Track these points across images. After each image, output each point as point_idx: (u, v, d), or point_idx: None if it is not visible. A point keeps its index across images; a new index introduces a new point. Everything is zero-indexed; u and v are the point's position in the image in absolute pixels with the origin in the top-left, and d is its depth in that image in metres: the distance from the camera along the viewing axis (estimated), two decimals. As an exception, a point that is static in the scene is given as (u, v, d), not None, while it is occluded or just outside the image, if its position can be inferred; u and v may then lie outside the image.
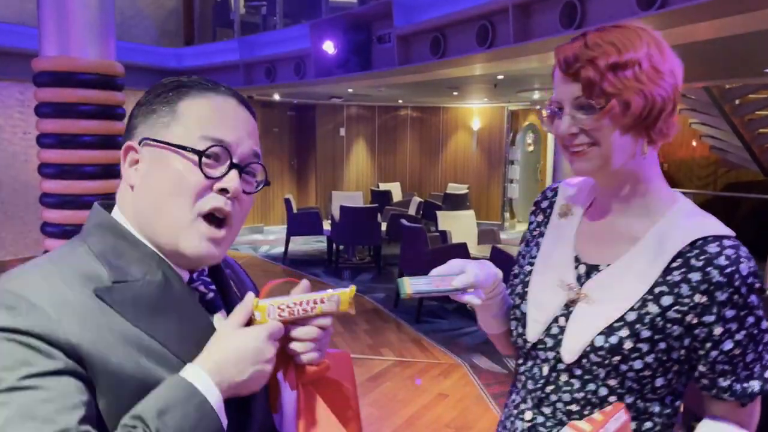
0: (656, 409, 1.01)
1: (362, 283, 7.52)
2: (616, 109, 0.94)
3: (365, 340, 5.42)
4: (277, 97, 10.78)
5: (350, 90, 9.34)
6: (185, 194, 0.82)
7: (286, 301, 0.85)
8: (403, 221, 6.41)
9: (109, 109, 4.48)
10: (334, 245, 8.35)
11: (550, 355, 1.06)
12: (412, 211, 9.14)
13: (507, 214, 12.31)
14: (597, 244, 1.08)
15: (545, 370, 1.06)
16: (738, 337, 0.95)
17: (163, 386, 0.76)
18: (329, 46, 6.74)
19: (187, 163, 0.83)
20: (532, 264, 1.15)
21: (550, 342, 1.06)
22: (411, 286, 0.99)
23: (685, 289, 0.95)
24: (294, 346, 0.86)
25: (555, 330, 1.06)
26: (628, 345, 0.97)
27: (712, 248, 0.95)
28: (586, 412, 1.01)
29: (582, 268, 1.07)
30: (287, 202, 8.74)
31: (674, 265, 0.97)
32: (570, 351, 1.01)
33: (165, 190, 0.83)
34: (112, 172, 4.45)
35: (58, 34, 4.29)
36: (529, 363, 1.11)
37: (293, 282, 0.91)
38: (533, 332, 1.08)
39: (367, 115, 12.59)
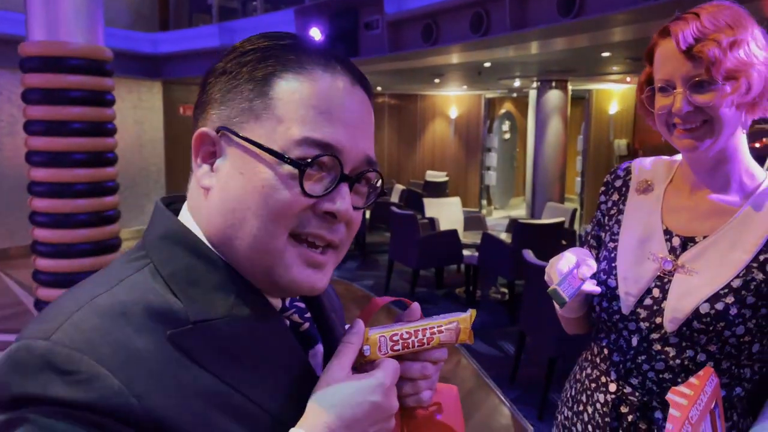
0: (747, 374, 1.06)
1: (349, 271, 7.52)
2: (742, 87, 0.98)
3: (360, 327, 5.43)
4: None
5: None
6: (277, 216, 0.62)
7: (400, 330, 0.69)
8: (394, 209, 6.42)
9: (98, 94, 4.36)
10: (318, 233, 8.30)
11: (643, 325, 1.09)
12: (394, 198, 9.16)
13: (484, 201, 12.44)
14: (689, 217, 1.11)
15: (635, 341, 1.10)
16: None
17: None
18: (315, 33, 6.68)
19: (282, 174, 0.61)
20: (615, 240, 1.18)
21: (643, 313, 1.09)
22: (563, 293, 1.03)
23: None
24: (404, 386, 0.70)
25: (648, 301, 1.09)
26: (733, 311, 1.01)
27: None
28: (679, 380, 1.06)
29: (676, 241, 1.11)
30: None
31: None
32: (673, 320, 1.05)
33: (250, 205, 0.62)
34: (102, 160, 4.34)
35: (46, 17, 4.15)
36: (614, 336, 1.14)
37: (400, 302, 0.76)
38: (626, 305, 1.11)
39: (345, 103, 12.52)
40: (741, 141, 1.07)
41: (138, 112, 9.56)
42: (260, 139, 0.61)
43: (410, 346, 0.69)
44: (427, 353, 0.71)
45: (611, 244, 1.20)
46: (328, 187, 0.62)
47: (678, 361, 1.06)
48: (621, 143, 11.17)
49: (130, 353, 0.56)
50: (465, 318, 0.73)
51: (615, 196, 1.25)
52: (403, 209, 7.50)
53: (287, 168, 0.61)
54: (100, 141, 4.32)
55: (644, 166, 1.23)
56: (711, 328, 1.02)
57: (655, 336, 1.08)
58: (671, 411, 0.94)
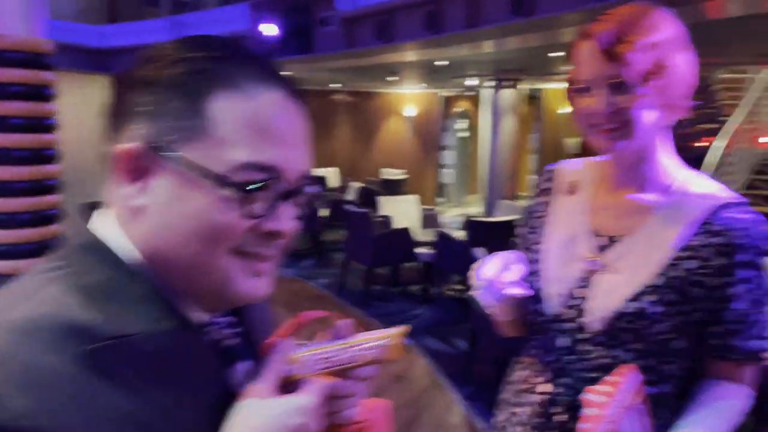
0: (675, 372, 1.08)
1: (305, 269, 7.45)
2: (659, 89, 0.99)
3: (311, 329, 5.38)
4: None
5: (290, 74, 9.14)
6: (218, 239, 0.59)
7: (327, 348, 0.67)
8: (349, 207, 6.39)
9: (37, 89, 4.17)
10: (273, 232, 8.20)
11: (571, 326, 1.10)
12: (350, 196, 9.12)
13: (441, 199, 12.52)
14: (613, 216, 1.12)
15: (563, 341, 1.11)
16: (750, 297, 1.03)
17: None
18: (269, 28, 6.58)
19: (222, 197, 0.58)
20: (543, 242, 1.19)
21: (570, 314, 1.10)
22: (482, 299, 1.06)
23: (707, 252, 1.02)
24: (331, 403, 0.67)
25: (575, 302, 1.10)
26: (655, 309, 1.03)
27: (731, 213, 1.03)
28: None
29: (601, 240, 1.11)
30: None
31: (695, 230, 1.03)
32: (597, 319, 1.06)
33: (189, 227, 0.59)
34: (43, 157, 4.16)
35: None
36: (544, 337, 1.15)
37: (327, 316, 0.73)
38: (553, 306, 1.12)
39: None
40: (661, 139, 1.08)
41: (85, 108, 9.25)
42: (198, 161, 0.58)
43: (338, 364, 0.67)
44: (356, 371, 0.68)
45: (538, 246, 1.20)
46: (271, 205, 0.60)
47: (605, 361, 1.07)
48: (572, 142, 11.42)
49: (37, 373, 0.52)
50: (395, 334, 0.69)
51: (542, 198, 1.25)
52: (360, 207, 7.48)
53: (228, 191, 0.58)
54: (39, 137, 4.14)
55: (571, 167, 1.24)
56: (634, 327, 1.04)
57: (582, 336, 1.09)
58: (587, 410, 0.94)
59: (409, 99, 12.49)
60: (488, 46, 5.43)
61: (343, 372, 0.68)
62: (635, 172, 1.10)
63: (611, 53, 0.99)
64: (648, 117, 1.02)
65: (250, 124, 0.59)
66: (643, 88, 0.99)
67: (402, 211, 7.13)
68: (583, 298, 1.09)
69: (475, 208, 11.89)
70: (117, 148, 0.60)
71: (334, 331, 0.69)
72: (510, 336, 1.32)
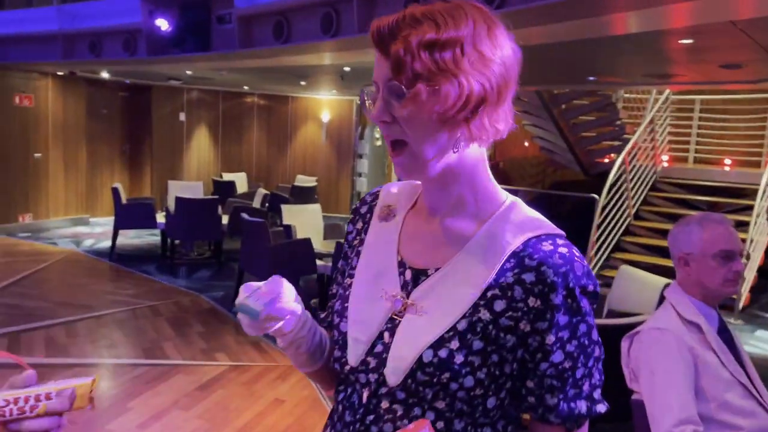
0: None
1: (200, 281, 7.02)
2: (423, 95, 0.79)
3: (199, 344, 5.01)
4: (106, 74, 9.75)
5: (189, 72, 8.69)
6: None
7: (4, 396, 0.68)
8: (244, 215, 6.05)
9: None
10: (168, 239, 7.73)
11: (372, 377, 0.89)
12: (257, 203, 8.75)
13: (355, 208, 12.33)
14: (423, 246, 0.94)
15: (365, 396, 0.90)
16: (569, 348, 0.85)
17: None
18: (162, 23, 6.16)
19: None
20: (352, 276, 0.99)
21: (372, 362, 0.89)
22: (253, 303, 0.90)
23: (518, 291, 0.85)
24: None
25: (379, 348, 0.90)
26: (458, 359, 0.83)
27: (546, 246, 0.86)
28: None
29: (408, 274, 0.92)
30: (115, 191, 7.91)
31: (507, 265, 0.87)
32: (395, 371, 0.86)
33: None
34: None
35: None
36: (348, 390, 0.94)
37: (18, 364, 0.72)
38: (355, 353, 0.91)
39: (210, 100, 11.88)
40: (468, 161, 0.89)
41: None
42: None
43: (7, 414, 0.67)
44: (30, 422, 0.68)
45: (347, 280, 1.00)
46: None
47: (405, 422, 0.86)
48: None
49: None
50: (84, 384, 0.71)
51: (359, 224, 1.06)
52: (261, 216, 7.13)
53: None
54: None
55: (391, 189, 1.05)
56: (435, 380, 0.83)
57: (383, 390, 0.88)
58: None
59: (324, 105, 12.23)
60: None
61: (18, 423, 0.68)
62: (446, 194, 0.91)
63: (385, 50, 0.80)
64: (428, 130, 0.82)
65: None
66: (412, 94, 0.79)
67: (306, 221, 6.85)
68: (387, 344, 0.89)
69: (389, 218, 11.76)
70: None
71: (20, 379, 0.70)
72: (328, 392, 1.11)
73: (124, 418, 3.63)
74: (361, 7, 4.42)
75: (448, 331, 0.84)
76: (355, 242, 1.04)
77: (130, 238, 9.15)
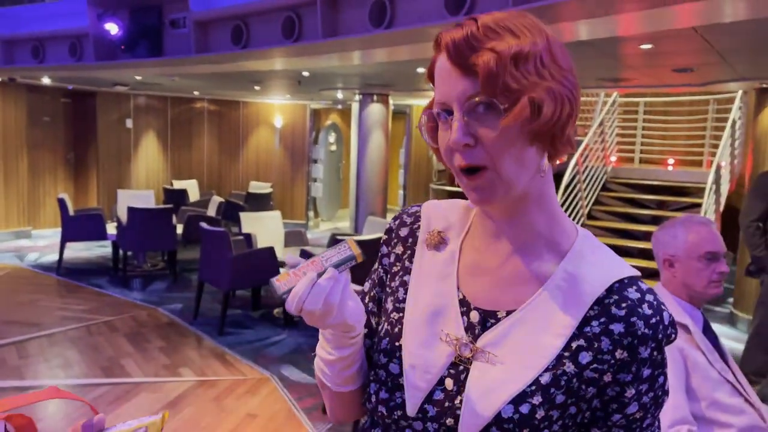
0: None
1: (156, 293, 6.78)
2: (527, 111, 0.72)
3: (160, 360, 4.82)
4: (47, 80, 9.32)
5: (138, 78, 8.40)
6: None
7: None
8: (203, 225, 5.87)
9: None
10: (120, 251, 7.44)
11: (432, 426, 0.82)
12: (211, 211, 8.53)
13: (311, 213, 12.20)
14: (490, 284, 0.85)
15: None
16: (644, 399, 0.80)
17: None
18: (112, 27, 5.93)
19: None
20: (400, 311, 0.90)
21: (432, 411, 0.82)
22: (280, 285, 0.78)
23: (605, 343, 0.78)
24: None
25: (438, 395, 0.82)
26: (539, 414, 0.77)
27: (632, 293, 0.79)
28: None
29: (474, 315, 0.84)
30: (61, 202, 7.55)
31: (591, 313, 0.79)
32: (469, 426, 0.78)
33: None
34: None
35: None
36: None
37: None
38: (413, 401, 0.83)
39: (159, 106, 11.52)
40: (546, 184, 0.82)
41: None
42: None
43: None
44: None
45: (395, 315, 0.90)
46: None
47: None
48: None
49: None
50: (155, 422, 0.75)
51: (399, 249, 0.96)
52: (217, 224, 6.95)
53: None
54: None
55: (437, 210, 0.95)
56: None
57: None
58: None
59: (277, 110, 12.05)
60: (354, 59, 5.22)
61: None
62: (516, 221, 0.83)
63: (465, 64, 0.73)
64: (522, 150, 0.75)
65: None
66: (508, 109, 0.72)
67: (265, 228, 6.72)
68: (451, 392, 0.81)
69: (345, 223, 11.69)
70: None
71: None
72: (338, 421, 1.03)
73: (89, 442, 3.45)
74: (324, 11, 4.37)
75: (530, 385, 0.77)
76: (397, 269, 0.95)
77: (78, 250, 8.76)
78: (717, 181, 7.05)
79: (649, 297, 0.80)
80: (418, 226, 0.95)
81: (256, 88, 9.30)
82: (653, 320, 0.78)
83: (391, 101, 9.07)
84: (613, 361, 0.78)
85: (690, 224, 1.97)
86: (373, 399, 0.87)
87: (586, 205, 8.03)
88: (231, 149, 12.26)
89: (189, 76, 7.62)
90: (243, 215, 6.80)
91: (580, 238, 0.85)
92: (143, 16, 6.04)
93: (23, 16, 7.18)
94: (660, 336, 0.78)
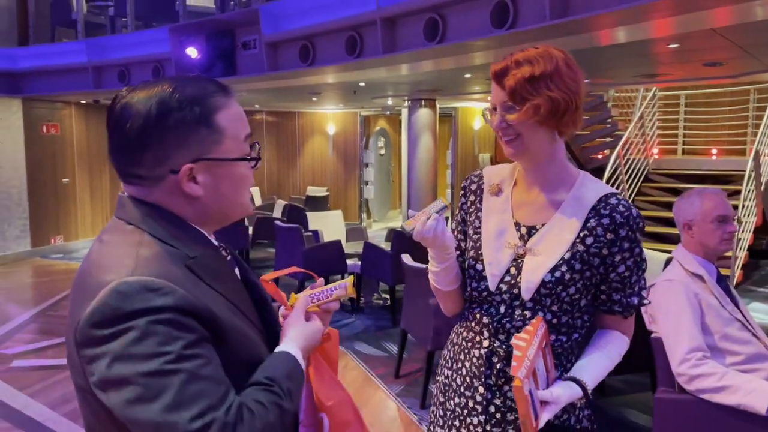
0: (579, 324, 1.40)
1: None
2: (530, 110, 1.29)
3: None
4: (125, 101, 10.23)
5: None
6: (247, 187, 1.08)
7: (313, 292, 1.20)
8: (278, 222, 6.57)
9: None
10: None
11: (506, 296, 1.39)
12: (277, 213, 9.27)
13: (364, 215, 12.85)
14: (531, 210, 1.42)
15: (502, 308, 1.39)
16: (629, 263, 1.37)
17: (280, 359, 1.02)
18: (192, 51, 6.70)
19: (246, 165, 1.05)
20: (478, 233, 1.48)
21: (504, 287, 1.39)
22: (411, 225, 1.37)
23: (599, 230, 1.34)
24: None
25: (508, 278, 1.40)
26: (567, 276, 1.34)
27: (613, 201, 1.36)
28: None
29: (523, 230, 1.41)
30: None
31: (590, 215, 1.36)
32: (528, 290, 1.36)
33: (236, 191, 1.04)
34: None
35: None
36: (485, 306, 1.43)
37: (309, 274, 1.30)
38: (492, 283, 1.41)
39: (221, 120, 12.36)
40: (558, 149, 1.39)
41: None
42: (229, 156, 1.01)
43: (321, 299, 1.20)
44: (330, 304, 1.20)
45: (476, 236, 1.47)
46: (257, 153, 1.09)
47: (532, 320, 1.36)
48: (485, 156, 12.09)
49: (178, 277, 0.91)
50: (349, 280, 1.22)
51: (472, 198, 1.54)
52: (286, 224, 7.66)
53: (249, 162, 1.06)
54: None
55: (493, 171, 1.54)
56: (553, 292, 1.34)
57: (515, 303, 1.38)
58: (515, 352, 1.25)
59: (330, 118, 12.79)
60: (405, 69, 5.80)
61: (321, 304, 1.19)
62: (540, 174, 1.41)
63: (501, 84, 1.33)
64: (534, 130, 1.33)
65: (237, 118, 1.04)
66: (523, 109, 1.30)
67: (328, 226, 7.38)
68: (514, 275, 1.39)
69: (396, 223, 12.28)
70: (178, 167, 0.97)
71: (315, 284, 1.22)
72: (453, 314, 1.58)
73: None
74: (384, 30, 4.99)
75: (559, 261, 1.34)
76: (472, 209, 1.53)
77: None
78: (756, 168, 7.30)
79: (624, 202, 1.38)
80: (482, 182, 1.54)
81: (314, 99, 10.01)
82: (626, 213, 1.36)
83: (437, 105, 9.58)
84: (605, 240, 1.35)
85: (704, 194, 2.40)
86: (468, 288, 1.47)
87: (629, 196, 8.35)
88: (288, 157, 13.06)
89: (255, 91, 8.37)
90: (309, 214, 7.49)
91: (581, 176, 1.43)
92: (217, 40, 6.79)
93: (110, 45, 8.06)
94: (631, 223, 1.36)
